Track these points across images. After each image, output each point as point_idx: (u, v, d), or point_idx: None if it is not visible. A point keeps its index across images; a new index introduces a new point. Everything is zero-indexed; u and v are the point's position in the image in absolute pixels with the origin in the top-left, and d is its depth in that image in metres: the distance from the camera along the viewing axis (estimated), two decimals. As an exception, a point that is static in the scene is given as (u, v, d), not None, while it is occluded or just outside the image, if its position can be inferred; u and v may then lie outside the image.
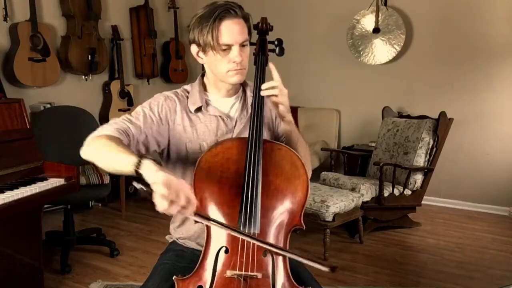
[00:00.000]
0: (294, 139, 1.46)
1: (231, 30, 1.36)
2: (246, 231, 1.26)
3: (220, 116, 1.48)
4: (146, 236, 3.63)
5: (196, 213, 1.17)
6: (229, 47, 1.37)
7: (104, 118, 4.49)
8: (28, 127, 2.51)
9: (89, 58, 4.24)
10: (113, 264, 3.11)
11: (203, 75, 1.54)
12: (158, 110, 1.46)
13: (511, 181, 4.30)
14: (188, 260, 1.46)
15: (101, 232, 3.54)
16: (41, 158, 2.49)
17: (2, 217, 2.06)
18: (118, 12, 4.77)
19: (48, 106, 3.90)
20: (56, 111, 3.62)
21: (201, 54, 1.44)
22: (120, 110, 4.55)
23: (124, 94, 4.59)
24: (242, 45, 1.39)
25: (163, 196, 1.07)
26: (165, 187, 1.07)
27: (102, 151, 1.26)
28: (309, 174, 1.40)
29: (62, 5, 4.15)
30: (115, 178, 3.85)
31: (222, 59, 1.39)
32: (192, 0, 5.69)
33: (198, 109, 1.48)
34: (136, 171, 1.15)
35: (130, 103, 4.62)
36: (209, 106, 1.49)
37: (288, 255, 1.28)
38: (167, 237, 1.63)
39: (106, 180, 3.22)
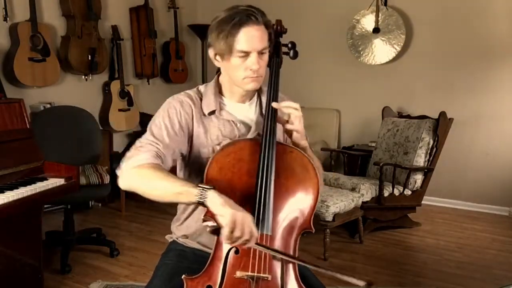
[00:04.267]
0: None
1: (250, 37, 1.32)
2: (259, 233, 1.25)
3: (233, 121, 1.47)
4: (146, 236, 3.63)
5: (257, 244, 1.22)
6: (247, 54, 1.34)
7: (104, 118, 4.49)
8: (28, 127, 2.50)
9: (89, 58, 4.24)
10: (113, 264, 3.10)
11: (219, 76, 1.51)
12: (178, 119, 1.42)
13: (511, 181, 4.30)
14: (190, 260, 1.46)
15: (101, 232, 3.53)
16: (41, 158, 2.49)
17: (2, 217, 2.06)
18: (118, 12, 4.77)
19: (48, 106, 3.90)
20: (56, 111, 3.62)
21: (218, 57, 1.40)
22: (120, 110, 4.54)
23: (124, 94, 4.59)
24: (260, 53, 1.36)
25: (230, 233, 1.16)
26: (232, 224, 1.15)
27: (150, 184, 1.27)
28: (321, 190, 1.42)
29: (62, 5, 4.14)
30: (115, 178, 3.84)
31: (239, 66, 1.36)
32: (192, 0, 5.69)
33: (212, 112, 1.46)
34: (201, 203, 1.21)
35: (130, 103, 4.62)
36: (222, 110, 1.47)
37: (321, 270, 1.29)
38: (166, 236, 1.62)
39: (106, 180, 3.22)
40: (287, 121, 1.39)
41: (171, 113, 1.42)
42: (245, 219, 1.17)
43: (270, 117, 1.37)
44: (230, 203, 1.19)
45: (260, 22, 1.35)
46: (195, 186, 1.22)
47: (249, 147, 1.35)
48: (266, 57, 1.39)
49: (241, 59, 1.35)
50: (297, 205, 1.34)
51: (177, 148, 1.41)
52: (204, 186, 1.21)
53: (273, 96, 1.41)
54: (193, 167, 1.48)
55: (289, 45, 1.54)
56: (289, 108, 1.38)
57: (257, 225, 1.26)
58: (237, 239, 1.16)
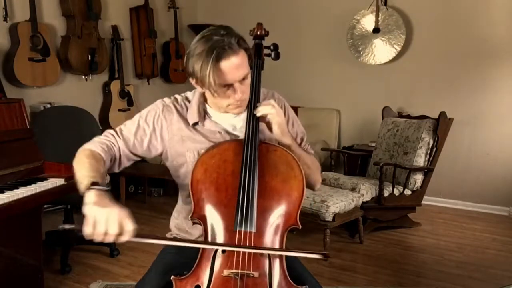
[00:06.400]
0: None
1: (230, 69, 1.32)
2: (243, 230, 1.28)
3: (218, 131, 1.48)
4: (146, 236, 3.63)
5: (139, 235, 1.19)
6: (229, 85, 1.35)
7: (104, 118, 4.49)
8: (28, 127, 2.50)
9: (89, 58, 4.24)
10: (113, 264, 3.11)
11: None
12: (154, 121, 1.48)
13: (511, 181, 4.30)
14: (187, 256, 1.46)
15: (101, 232, 3.53)
16: (41, 158, 2.49)
17: (2, 217, 2.06)
18: (118, 12, 4.77)
19: (48, 106, 3.90)
20: (56, 111, 3.61)
21: (200, 84, 1.40)
22: (120, 110, 4.54)
23: (124, 94, 4.59)
24: (242, 79, 1.37)
25: (92, 232, 1.12)
26: (91, 219, 1.12)
27: (77, 165, 1.34)
28: (318, 185, 1.53)
29: (62, 5, 4.15)
30: (115, 178, 3.85)
31: (223, 95, 1.38)
32: (192, 0, 5.70)
33: (195, 124, 1.48)
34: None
35: (130, 103, 4.62)
36: (206, 120, 1.49)
37: (279, 253, 1.30)
38: (168, 234, 1.63)
39: (106, 180, 3.21)
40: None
41: (149, 115, 1.49)
42: (110, 214, 1.13)
43: (253, 117, 1.39)
44: (103, 203, 1.16)
45: (237, 50, 1.34)
46: (89, 181, 1.23)
47: (234, 148, 1.37)
48: (248, 81, 1.40)
49: (224, 89, 1.36)
50: (282, 203, 1.35)
51: (142, 146, 1.47)
52: (96, 185, 1.22)
53: (255, 98, 1.42)
54: (179, 168, 1.51)
55: (271, 47, 1.57)
56: (263, 111, 1.38)
57: (241, 223, 1.28)
58: (104, 236, 1.12)
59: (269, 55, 1.56)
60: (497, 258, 3.33)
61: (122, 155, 1.45)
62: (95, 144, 1.42)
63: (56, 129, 3.30)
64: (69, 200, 3.01)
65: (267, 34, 1.55)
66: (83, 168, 1.31)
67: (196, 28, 5.57)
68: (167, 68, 5.27)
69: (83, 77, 4.40)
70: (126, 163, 1.48)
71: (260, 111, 1.38)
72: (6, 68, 3.74)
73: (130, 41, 4.94)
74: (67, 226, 1.20)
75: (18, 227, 2.38)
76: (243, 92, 1.38)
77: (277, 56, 1.57)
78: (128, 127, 1.48)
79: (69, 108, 3.59)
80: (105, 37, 4.49)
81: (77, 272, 2.95)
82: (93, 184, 1.22)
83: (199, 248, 1.33)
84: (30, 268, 2.47)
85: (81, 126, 3.45)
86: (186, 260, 1.43)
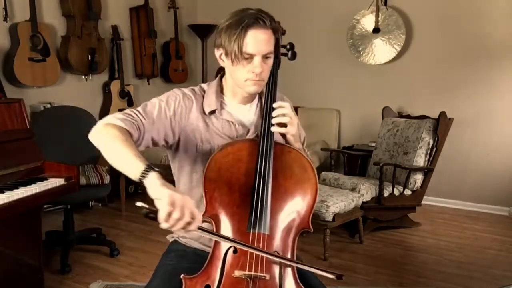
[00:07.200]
0: None
1: (256, 40, 1.33)
2: (256, 232, 1.27)
3: (232, 122, 1.47)
4: (146, 236, 3.63)
5: (200, 228, 1.17)
6: (251, 56, 1.35)
7: (104, 118, 4.49)
8: (28, 127, 2.50)
9: (89, 58, 4.24)
10: (113, 264, 3.11)
11: (222, 76, 1.52)
12: (175, 106, 1.44)
13: (511, 181, 4.30)
14: (190, 260, 1.46)
15: (101, 232, 3.54)
16: (41, 158, 2.49)
17: (2, 217, 2.06)
18: (118, 12, 4.77)
19: (48, 106, 3.90)
20: (56, 111, 3.62)
21: (223, 57, 1.41)
22: (120, 110, 4.49)
23: (124, 94, 4.59)
24: (265, 57, 1.36)
25: (168, 215, 1.07)
26: (170, 205, 1.07)
27: (110, 143, 1.26)
28: None
29: (62, 5, 4.15)
30: (115, 178, 3.84)
31: (243, 68, 1.37)
32: (192, 0, 5.69)
33: (212, 112, 1.47)
34: (140, 180, 1.16)
35: (130, 103, 4.62)
36: (223, 110, 1.48)
37: (294, 265, 1.29)
38: (168, 236, 1.62)
39: (106, 180, 3.22)
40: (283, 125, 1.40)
41: (170, 99, 1.45)
42: (185, 200, 1.10)
43: (268, 118, 1.38)
44: (170, 187, 1.13)
45: (267, 26, 1.35)
46: (144, 163, 1.17)
47: (248, 148, 1.36)
48: (270, 61, 1.40)
49: (246, 61, 1.36)
50: (295, 205, 1.35)
51: (162, 131, 1.41)
52: (152, 166, 1.17)
53: (271, 97, 1.42)
54: (186, 160, 1.48)
55: (288, 46, 1.55)
56: (282, 117, 1.38)
57: (254, 224, 1.27)
58: (176, 221, 1.08)
59: (285, 54, 1.54)
60: (497, 258, 3.33)
61: (144, 138, 1.37)
62: (124, 122, 1.32)
63: (56, 129, 3.30)
64: (69, 200, 3.01)
65: (284, 32, 1.52)
66: (126, 148, 1.22)
67: (196, 28, 5.56)
68: (167, 68, 5.27)
69: (83, 77, 4.40)
70: (141, 148, 1.38)
71: (278, 120, 1.37)
72: (6, 68, 3.74)
73: (130, 41, 4.94)
74: (142, 205, 1.09)
75: (18, 227, 2.38)
76: (263, 68, 1.36)
77: (293, 56, 1.54)
78: (150, 110, 1.40)
79: (69, 108, 3.60)
80: (105, 37, 4.49)
81: (77, 272, 2.95)
82: (149, 167, 1.16)
83: (202, 251, 1.33)
84: (30, 268, 2.47)
85: (81, 126, 3.44)
86: (188, 264, 1.43)
